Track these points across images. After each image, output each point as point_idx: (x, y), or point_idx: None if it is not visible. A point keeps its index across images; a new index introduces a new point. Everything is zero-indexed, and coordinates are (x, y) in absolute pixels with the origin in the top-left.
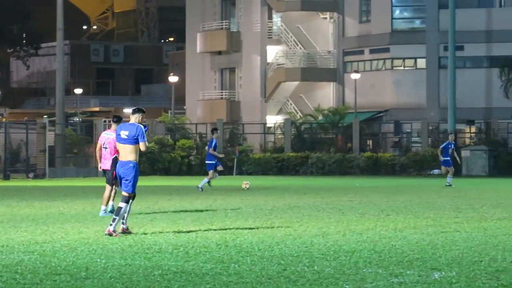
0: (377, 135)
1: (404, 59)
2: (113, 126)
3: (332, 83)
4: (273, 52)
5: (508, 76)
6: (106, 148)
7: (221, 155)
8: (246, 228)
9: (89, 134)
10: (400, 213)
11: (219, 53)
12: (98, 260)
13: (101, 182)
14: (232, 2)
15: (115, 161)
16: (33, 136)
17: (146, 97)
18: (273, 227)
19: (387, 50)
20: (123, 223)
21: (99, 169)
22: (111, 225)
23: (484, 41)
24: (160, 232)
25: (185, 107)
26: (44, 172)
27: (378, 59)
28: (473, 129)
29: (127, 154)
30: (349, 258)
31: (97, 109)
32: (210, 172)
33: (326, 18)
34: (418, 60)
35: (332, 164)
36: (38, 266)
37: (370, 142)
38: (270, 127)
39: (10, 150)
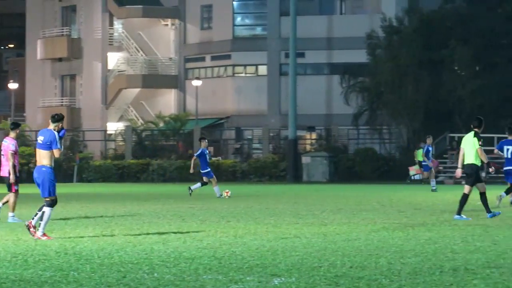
0: (219, 141)
1: (245, 66)
2: (11, 133)
3: (173, 89)
4: (114, 59)
5: (348, 83)
6: (2, 155)
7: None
8: (86, 236)
9: None
10: (241, 219)
11: (60, 59)
12: None
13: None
14: (73, 8)
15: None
16: None
17: None
18: (113, 235)
19: (228, 57)
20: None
21: None
22: (38, 230)
23: (325, 48)
24: None
25: (25, 114)
26: None
27: (219, 66)
28: (314, 136)
29: (41, 159)
30: (189, 265)
31: None
32: (212, 179)
33: (167, 24)
34: (260, 67)
35: (173, 171)
36: None
37: (211, 149)
38: (111, 134)
39: None
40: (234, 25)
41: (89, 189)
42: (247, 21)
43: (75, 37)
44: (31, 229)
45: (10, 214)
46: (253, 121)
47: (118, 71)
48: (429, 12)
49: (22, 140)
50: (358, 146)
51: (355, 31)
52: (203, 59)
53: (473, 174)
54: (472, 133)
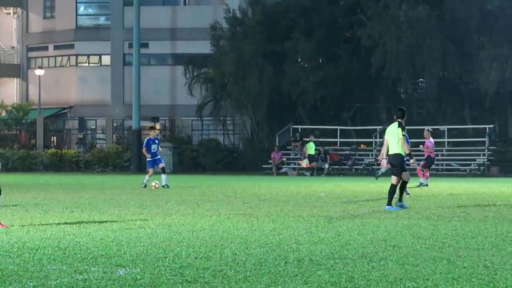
0: (62, 131)
1: (88, 55)
2: None
3: (15, 79)
4: None
5: (192, 73)
6: None
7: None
8: None
9: None
10: (85, 209)
11: None
12: None
13: None
14: None
15: None
16: None
17: None
18: None
19: (71, 46)
20: None
21: None
22: None
23: (169, 39)
24: None
25: None
26: None
27: (62, 55)
28: (158, 126)
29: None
30: (33, 255)
31: None
32: (150, 170)
33: (9, 13)
34: (103, 57)
35: (16, 161)
36: None
37: (54, 139)
38: None
39: None
40: (77, 14)
41: None
42: (90, 11)
43: None
44: None
45: None
46: (97, 111)
47: None
48: (272, 4)
49: None
50: (202, 137)
51: (199, 22)
52: (46, 48)
53: (398, 164)
54: (395, 123)
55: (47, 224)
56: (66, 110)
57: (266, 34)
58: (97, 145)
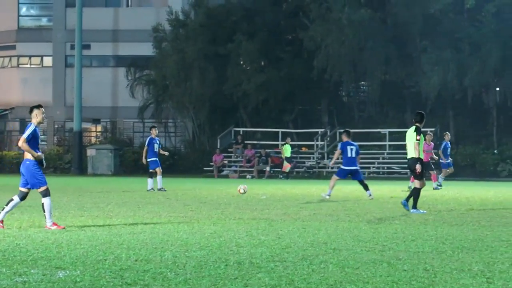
0: (3, 133)
1: (30, 56)
2: None
3: None
4: None
5: (134, 75)
6: None
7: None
8: None
9: None
10: (25, 211)
11: None
12: None
13: None
14: None
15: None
16: None
17: None
18: None
19: (13, 47)
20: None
21: None
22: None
23: (111, 41)
24: None
25: None
26: None
27: (4, 57)
28: (99, 128)
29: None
30: None
31: None
32: (157, 169)
33: None
34: (45, 58)
35: None
36: None
37: None
38: None
39: None
40: (19, 15)
41: None
42: (32, 12)
43: None
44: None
45: None
46: None
47: None
48: (215, 6)
49: None
50: (143, 139)
51: (142, 24)
52: None
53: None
54: (413, 127)
55: None
56: (7, 112)
57: (208, 36)
58: None
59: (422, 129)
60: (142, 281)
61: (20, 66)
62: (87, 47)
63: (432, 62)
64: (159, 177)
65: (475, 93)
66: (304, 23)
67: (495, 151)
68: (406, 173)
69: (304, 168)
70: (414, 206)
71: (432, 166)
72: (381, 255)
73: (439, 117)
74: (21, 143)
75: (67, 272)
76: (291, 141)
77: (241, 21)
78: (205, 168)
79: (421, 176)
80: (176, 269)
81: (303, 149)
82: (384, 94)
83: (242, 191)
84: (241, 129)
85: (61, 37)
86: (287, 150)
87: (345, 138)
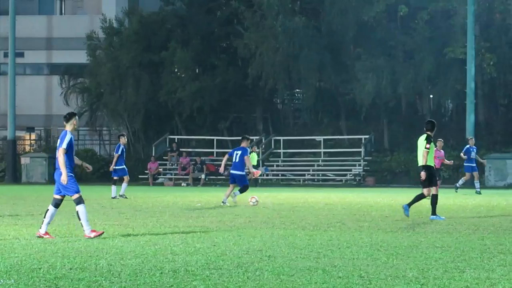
0: None
1: None
2: None
3: None
4: None
5: (68, 83)
6: None
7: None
8: None
9: None
10: None
11: None
12: None
13: None
14: None
15: None
16: None
17: None
18: None
19: None
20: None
21: None
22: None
23: (44, 48)
24: None
25: None
26: None
27: None
28: (33, 136)
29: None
30: None
31: None
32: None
33: None
34: None
35: None
36: None
37: None
38: None
39: None
40: None
41: None
42: None
43: None
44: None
45: None
46: None
47: None
48: (149, 14)
49: None
50: (78, 147)
51: (75, 32)
52: None
53: (427, 175)
54: (424, 135)
55: None
56: None
57: (143, 44)
58: None
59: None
60: None
61: None
62: (21, 55)
63: (366, 69)
64: (125, 184)
65: (409, 100)
66: (238, 31)
67: None
68: (340, 180)
69: None
70: (433, 213)
71: (440, 174)
72: (316, 262)
73: (373, 124)
74: (61, 154)
75: (1, 281)
76: (229, 148)
77: (175, 29)
78: (140, 176)
79: (427, 184)
80: (111, 278)
81: None
82: (318, 101)
83: (253, 202)
84: (176, 137)
85: None
86: (253, 158)
87: (244, 144)
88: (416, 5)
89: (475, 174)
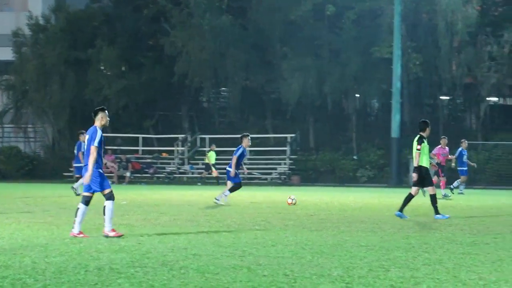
0: None
1: None
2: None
3: None
4: None
5: None
6: None
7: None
8: None
9: None
10: None
11: None
12: None
13: None
14: None
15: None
16: None
17: None
18: None
19: None
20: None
21: None
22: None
23: None
24: None
25: None
26: None
27: None
28: None
29: (84, 157)
30: None
31: None
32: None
33: None
34: None
35: None
36: None
37: None
38: None
39: None
40: None
41: None
42: None
43: None
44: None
45: None
46: None
47: None
48: (76, 11)
49: None
50: (2, 145)
51: (1, 29)
52: None
53: (421, 176)
54: (417, 136)
55: None
56: None
57: (69, 42)
58: None
59: (425, 133)
60: (0, 287)
61: None
62: None
63: (293, 68)
64: (81, 180)
65: (335, 99)
66: (165, 29)
67: (355, 157)
68: (266, 179)
69: (165, 173)
70: (436, 212)
71: (440, 173)
72: (241, 261)
73: (299, 123)
74: (93, 152)
75: None
76: (154, 146)
77: (101, 26)
78: (64, 174)
79: (419, 184)
80: (35, 275)
81: (163, 154)
82: (244, 100)
83: (291, 201)
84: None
85: None
86: (212, 157)
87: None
88: (343, 4)
89: (463, 177)
